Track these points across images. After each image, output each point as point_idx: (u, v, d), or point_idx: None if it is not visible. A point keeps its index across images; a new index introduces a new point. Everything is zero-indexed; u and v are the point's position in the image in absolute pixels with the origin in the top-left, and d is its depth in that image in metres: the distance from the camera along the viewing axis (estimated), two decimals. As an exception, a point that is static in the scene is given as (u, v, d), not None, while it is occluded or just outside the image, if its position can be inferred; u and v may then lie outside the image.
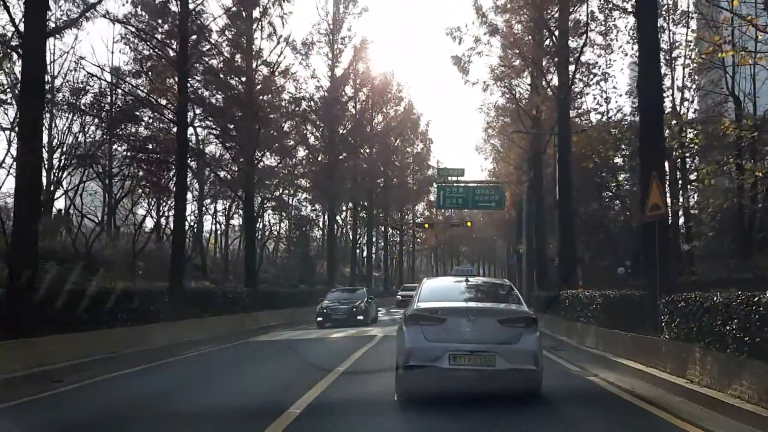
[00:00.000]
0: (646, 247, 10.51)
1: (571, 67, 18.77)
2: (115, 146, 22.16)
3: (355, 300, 23.68)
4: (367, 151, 43.74)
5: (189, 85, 19.42)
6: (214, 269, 42.72)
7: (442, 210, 60.06)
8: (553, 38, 18.21)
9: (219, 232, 47.96)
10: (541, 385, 7.57)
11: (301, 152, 36.38)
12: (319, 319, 22.75)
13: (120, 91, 20.56)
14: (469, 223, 51.14)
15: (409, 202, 56.78)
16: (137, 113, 19.22)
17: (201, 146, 31.11)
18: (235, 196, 23.79)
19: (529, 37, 19.82)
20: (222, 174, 25.57)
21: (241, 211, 36.11)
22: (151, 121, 19.79)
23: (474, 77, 28.91)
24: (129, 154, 20.15)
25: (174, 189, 18.90)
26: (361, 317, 22.81)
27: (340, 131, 36.52)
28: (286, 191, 38.11)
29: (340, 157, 36.05)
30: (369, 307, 23.98)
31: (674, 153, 19.72)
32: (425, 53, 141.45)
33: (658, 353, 9.25)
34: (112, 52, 56.06)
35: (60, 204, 30.09)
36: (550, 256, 26.13)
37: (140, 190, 26.23)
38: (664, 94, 29.12)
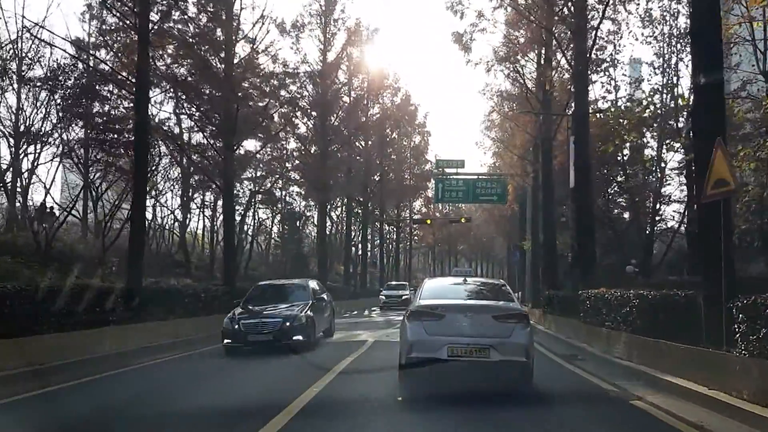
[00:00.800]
0: (704, 236, 8.31)
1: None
2: (74, 126, 19.82)
3: (291, 307, 13.71)
4: (362, 142, 41.55)
5: (159, 60, 17.25)
6: (201, 266, 40.57)
7: (441, 205, 58.02)
8: (569, 3, 16.00)
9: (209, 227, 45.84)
10: (532, 375, 8.27)
11: (293, 143, 34.26)
12: (226, 341, 13.07)
13: (81, 65, 18.28)
14: (463, 219, 49.01)
15: (406, 198, 54.56)
16: (99, 88, 16.92)
17: (187, 136, 29.04)
18: (216, 185, 21.51)
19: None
20: (203, 162, 23.20)
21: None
22: (115, 98, 17.51)
23: (476, 57, 26.35)
24: (90, 134, 17.84)
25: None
26: (299, 336, 12.90)
27: (333, 120, 34.30)
28: (276, 184, 35.89)
29: (332, 148, 33.84)
30: (318, 316, 14.47)
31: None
32: (424, 47, 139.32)
33: (728, 373, 7.05)
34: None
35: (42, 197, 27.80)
36: (560, 252, 23.96)
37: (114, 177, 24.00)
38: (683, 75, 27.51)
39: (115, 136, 17.17)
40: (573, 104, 16.75)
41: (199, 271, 36.21)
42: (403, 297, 35.49)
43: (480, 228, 76.37)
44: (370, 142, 43.63)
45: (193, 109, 20.58)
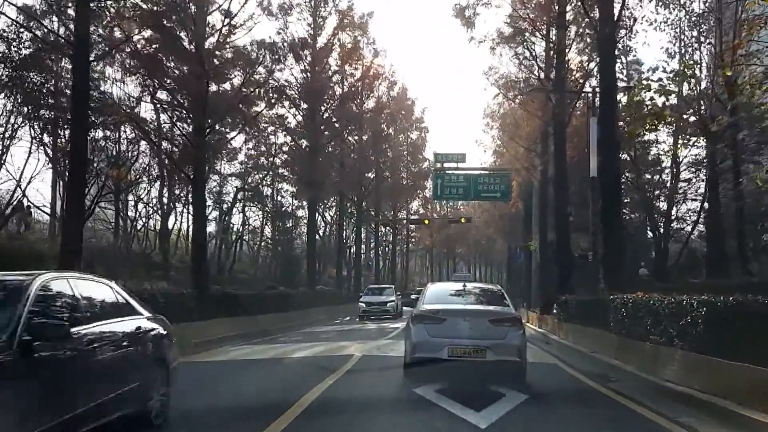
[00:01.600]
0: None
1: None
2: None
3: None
4: (356, 137, 39.11)
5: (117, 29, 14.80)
6: (183, 268, 37.99)
7: (439, 206, 55.71)
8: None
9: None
10: (525, 373, 8.97)
11: (282, 137, 31.84)
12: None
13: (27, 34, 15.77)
14: (463, 219, 46.58)
15: (403, 198, 52.08)
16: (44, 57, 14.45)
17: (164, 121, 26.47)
18: (185, 175, 18.95)
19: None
20: (172, 149, 20.67)
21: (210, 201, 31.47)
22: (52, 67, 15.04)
23: (480, 34, 23.72)
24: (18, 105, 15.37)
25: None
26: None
27: (324, 112, 31.83)
28: (264, 180, 33.45)
29: (324, 142, 31.41)
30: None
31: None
32: (423, 37, 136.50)
33: None
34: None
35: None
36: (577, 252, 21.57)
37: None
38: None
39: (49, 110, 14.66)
40: (594, 77, 14.31)
41: (180, 274, 33.68)
42: (388, 304, 30.04)
43: (479, 230, 73.96)
44: (365, 138, 41.22)
45: (162, 92, 18.01)
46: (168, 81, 16.74)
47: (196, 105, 16.64)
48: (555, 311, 17.66)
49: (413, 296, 32.30)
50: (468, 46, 20.40)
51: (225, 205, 34.44)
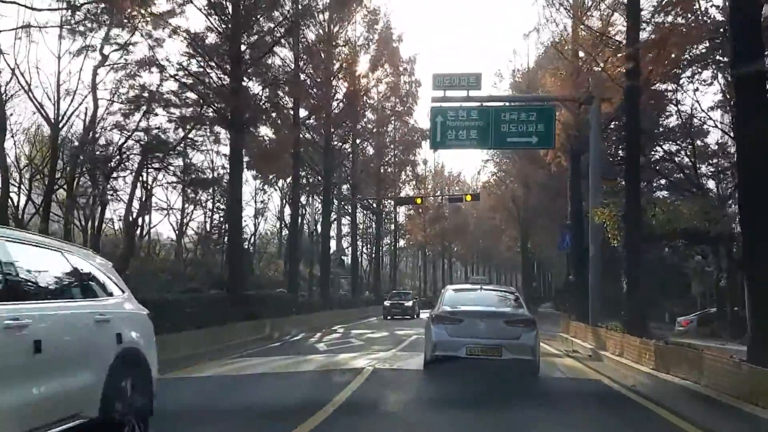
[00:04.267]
0: None
1: None
2: None
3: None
4: (318, 77, 27.37)
5: None
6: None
7: (438, 154, 44.36)
8: None
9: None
10: (538, 370, 9.60)
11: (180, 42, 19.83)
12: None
13: None
14: (469, 197, 34.90)
15: (388, 173, 40.37)
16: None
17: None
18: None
19: None
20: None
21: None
22: None
23: None
24: None
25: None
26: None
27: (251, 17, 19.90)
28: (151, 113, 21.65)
29: (252, 55, 19.60)
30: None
31: None
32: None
33: None
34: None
35: None
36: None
37: None
38: None
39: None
40: None
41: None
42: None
43: (481, 222, 62.52)
44: (335, 87, 29.72)
45: None
46: None
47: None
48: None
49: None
50: None
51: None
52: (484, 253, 76.14)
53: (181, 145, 23.78)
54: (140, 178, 23.93)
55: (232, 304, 18.66)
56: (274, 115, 22.76)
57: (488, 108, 19.18)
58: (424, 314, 35.47)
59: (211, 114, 20.78)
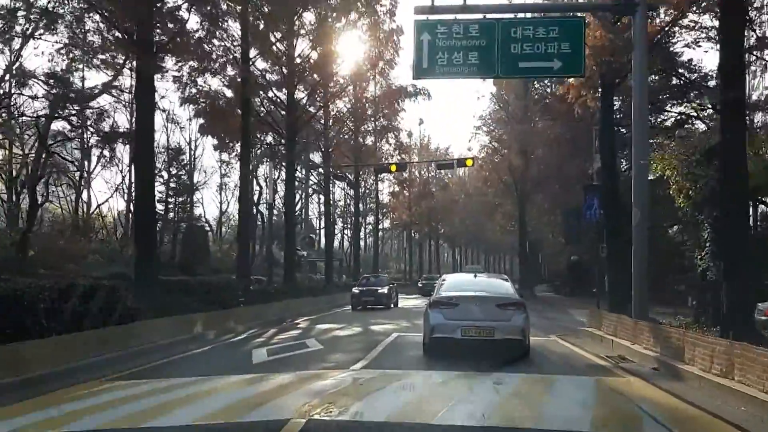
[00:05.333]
0: None
1: None
2: None
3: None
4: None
5: None
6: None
7: (422, 144, 39.66)
8: None
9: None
10: (528, 350, 10.33)
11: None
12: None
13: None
14: (470, 161, 29.41)
15: (365, 135, 34.90)
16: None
17: None
18: None
19: None
20: None
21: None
22: None
23: None
24: None
25: None
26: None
27: None
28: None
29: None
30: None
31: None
32: None
33: None
34: None
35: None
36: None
37: None
38: None
39: None
40: None
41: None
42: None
43: (473, 198, 57.32)
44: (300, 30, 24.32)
45: None
46: None
47: None
48: None
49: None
50: None
51: None
52: (474, 233, 70.99)
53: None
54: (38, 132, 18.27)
55: (138, 294, 13.39)
56: (207, 47, 17.26)
57: (493, 21, 13.78)
58: (406, 302, 30.98)
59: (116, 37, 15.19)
